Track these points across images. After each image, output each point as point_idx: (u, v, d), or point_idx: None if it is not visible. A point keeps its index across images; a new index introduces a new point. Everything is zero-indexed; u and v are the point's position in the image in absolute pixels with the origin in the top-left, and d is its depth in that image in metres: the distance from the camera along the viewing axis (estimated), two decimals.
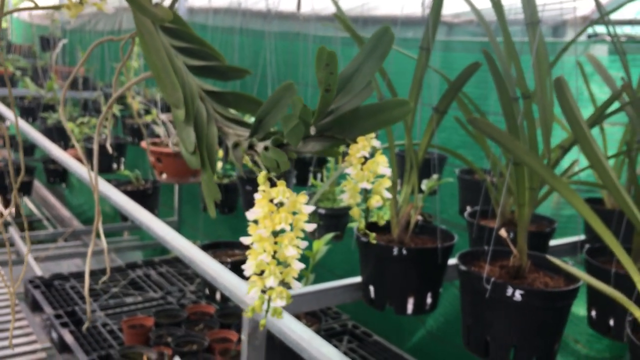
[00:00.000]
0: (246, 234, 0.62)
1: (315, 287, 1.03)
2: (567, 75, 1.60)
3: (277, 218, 0.58)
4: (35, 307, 2.55)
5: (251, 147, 0.67)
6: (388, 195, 0.68)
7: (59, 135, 2.75)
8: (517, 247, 0.87)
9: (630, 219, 0.71)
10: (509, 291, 0.77)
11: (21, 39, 5.92)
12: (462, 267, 0.86)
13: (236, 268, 1.53)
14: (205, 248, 1.65)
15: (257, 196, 0.63)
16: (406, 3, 2.16)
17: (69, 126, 2.59)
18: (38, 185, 5.59)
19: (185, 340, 2.09)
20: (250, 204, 1.81)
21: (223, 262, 1.53)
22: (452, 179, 1.65)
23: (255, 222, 0.62)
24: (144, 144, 2.09)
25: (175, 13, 0.74)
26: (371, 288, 1.02)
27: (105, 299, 2.59)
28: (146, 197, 2.17)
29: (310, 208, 0.59)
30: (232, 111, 0.77)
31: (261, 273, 0.58)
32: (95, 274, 2.87)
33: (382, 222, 0.84)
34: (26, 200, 5.69)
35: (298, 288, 0.61)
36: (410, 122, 1.03)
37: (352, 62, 0.60)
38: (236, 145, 0.68)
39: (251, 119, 0.70)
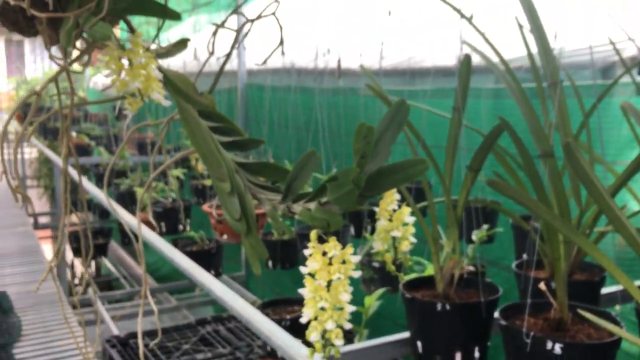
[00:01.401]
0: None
1: (363, 345, 1.06)
2: (617, 117, 1.60)
3: (332, 269, 0.68)
4: None
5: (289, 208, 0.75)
6: (413, 240, 0.78)
7: (130, 199, 2.92)
8: (557, 299, 0.87)
9: None
10: (549, 345, 0.78)
11: (96, 108, 6.32)
12: (502, 322, 0.88)
13: (295, 324, 1.58)
14: (266, 305, 1.71)
15: (307, 252, 0.72)
16: (451, 55, 2.21)
17: (139, 192, 2.74)
18: (115, 246, 5.87)
19: None
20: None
21: (282, 319, 1.59)
22: (504, 228, 1.65)
23: (310, 274, 0.72)
24: (205, 207, 2.20)
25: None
26: (418, 343, 1.04)
27: (177, 356, 2.67)
28: (210, 257, 2.27)
29: (357, 258, 0.69)
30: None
31: (315, 319, 0.68)
32: (167, 332, 2.97)
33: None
34: (105, 260, 5.97)
35: (348, 327, 0.70)
36: (449, 181, 1.07)
37: (376, 130, 0.67)
38: (273, 209, 0.75)
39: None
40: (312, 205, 0.71)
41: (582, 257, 1.16)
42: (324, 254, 0.71)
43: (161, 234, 2.52)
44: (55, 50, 0.69)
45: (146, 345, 2.81)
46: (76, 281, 5.73)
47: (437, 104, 2.11)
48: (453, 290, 1.06)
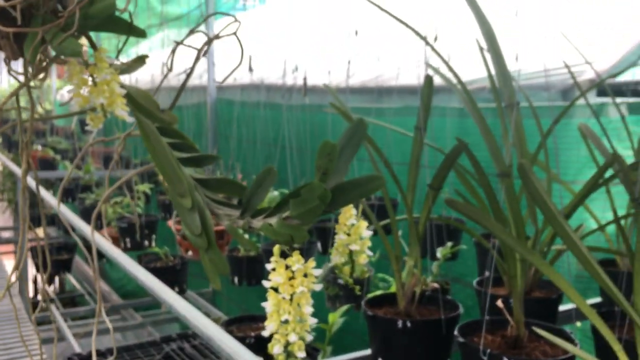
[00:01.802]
0: None
1: None
2: (576, 138, 1.64)
3: (295, 282, 0.70)
4: None
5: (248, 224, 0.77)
6: (370, 253, 0.81)
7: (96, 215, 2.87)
8: (514, 317, 0.89)
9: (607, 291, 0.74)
10: None
11: (63, 121, 6.23)
12: (460, 339, 0.89)
13: (260, 341, 1.57)
14: (231, 323, 1.70)
15: (270, 266, 0.74)
16: (417, 74, 2.25)
17: (103, 207, 2.71)
18: (80, 262, 5.75)
19: None
20: None
21: (247, 337, 1.58)
22: (467, 245, 1.67)
23: (273, 288, 0.75)
24: (170, 222, 2.18)
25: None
26: None
27: None
28: (175, 273, 2.25)
29: (318, 271, 0.71)
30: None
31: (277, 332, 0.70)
32: (130, 349, 2.92)
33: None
34: (69, 276, 5.85)
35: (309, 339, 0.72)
36: (411, 199, 1.08)
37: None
38: (232, 224, 0.76)
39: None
40: (273, 221, 0.72)
41: (540, 275, 1.19)
42: (287, 267, 0.72)
43: (125, 249, 2.49)
44: (14, 64, 0.68)
45: None
46: (39, 297, 5.60)
47: (404, 122, 2.14)
48: (415, 307, 1.07)
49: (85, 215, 2.97)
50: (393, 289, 1.56)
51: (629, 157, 1.51)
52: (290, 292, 0.71)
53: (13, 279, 0.70)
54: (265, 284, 0.73)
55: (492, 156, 0.88)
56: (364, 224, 0.84)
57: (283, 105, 2.83)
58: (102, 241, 2.08)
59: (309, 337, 0.71)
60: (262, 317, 1.78)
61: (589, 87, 1.45)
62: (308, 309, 0.70)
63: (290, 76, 2.62)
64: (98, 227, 2.87)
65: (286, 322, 0.74)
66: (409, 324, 1.00)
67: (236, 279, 2.26)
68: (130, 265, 1.61)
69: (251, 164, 3.10)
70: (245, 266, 2.21)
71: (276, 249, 0.80)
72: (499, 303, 0.87)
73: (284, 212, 0.77)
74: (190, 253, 2.16)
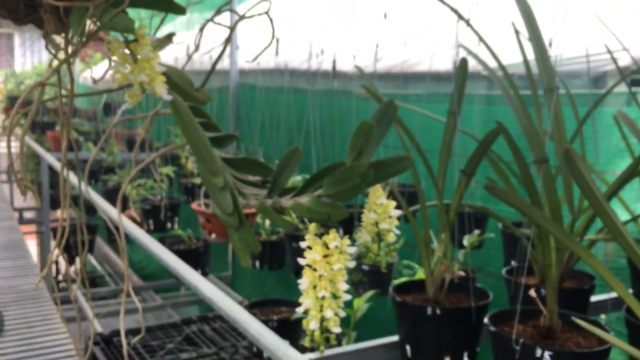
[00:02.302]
0: (292, 288, 0.78)
1: (352, 347, 1.06)
2: (608, 127, 1.60)
3: (332, 259, 0.74)
4: None
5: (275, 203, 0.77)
6: (397, 232, 0.86)
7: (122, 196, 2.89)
8: (547, 307, 0.87)
9: None
10: (538, 352, 0.78)
11: (86, 104, 6.27)
12: (492, 328, 0.87)
13: (283, 325, 1.58)
14: (254, 306, 1.70)
15: (304, 244, 0.75)
16: (445, 59, 2.22)
17: (127, 189, 2.72)
18: (101, 243, 5.82)
19: None
20: (296, 259, 1.87)
21: (269, 320, 1.58)
22: (495, 234, 1.65)
23: (309, 266, 0.77)
24: (194, 205, 2.19)
25: None
26: (408, 347, 1.04)
27: (161, 355, 2.65)
28: (198, 256, 2.25)
29: (353, 249, 0.75)
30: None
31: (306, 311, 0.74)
32: (152, 330, 2.95)
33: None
34: (90, 257, 5.92)
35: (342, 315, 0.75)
36: (442, 185, 1.07)
37: None
38: (261, 204, 0.77)
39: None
40: (304, 200, 0.70)
41: (572, 264, 1.16)
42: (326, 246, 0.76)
43: (149, 231, 2.50)
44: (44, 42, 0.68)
45: (130, 344, 2.78)
46: (60, 277, 5.68)
47: (430, 109, 2.12)
48: (444, 294, 1.06)
49: (108, 196, 2.99)
50: (419, 276, 1.55)
51: None
52: (327, 269, 0.73)
53: (54, 256, 0.70)
54: (301, 261, 0.76)
55: (529, 142, 0.86)
56: (393, 203, 0.85)
57: (308, 90, 2.81)
58: (128, 223, 2.09)
59: (342, 314, 0.74)
60: (284, 302, 1.78)
61: (629, 72, 1.41)
62: (344, 286, 0.74)
63: (315, 60, 2.60)
64: (122, 209, 2.89)
65: (322, 298, 0.76)
66: (438, 311, 0.98)
67: (257, 263, 2.26)
68: (156, 247, 1.62)
69: (273, 149, 3.10)
70: (266, 250, 2.21)
71: (312, 227, 0.81)
72: (532, 292, 0.86)
73: (313, 191, 0.76)
74: (213, 236, 2.16)
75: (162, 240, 2.37)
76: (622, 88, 1.88)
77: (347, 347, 1.06)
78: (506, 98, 0.96)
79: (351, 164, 0.63)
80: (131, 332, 2.93)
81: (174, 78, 0.81)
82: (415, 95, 2.39)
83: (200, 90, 0.83)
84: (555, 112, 0.83)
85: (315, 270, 0.80)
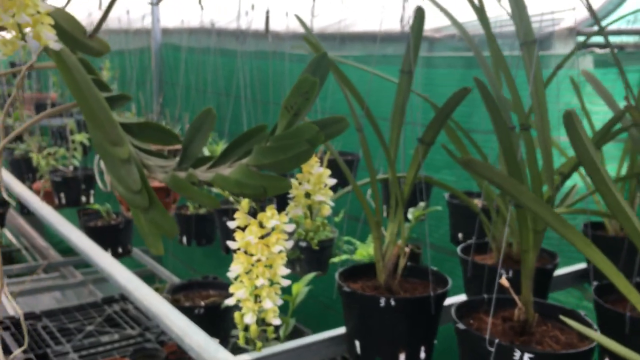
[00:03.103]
0: (223, 265, 0.67)
1: (293, 344, 0.91)
2: (557, 90, 1.51)
3: (271, 241, 0.61)
4: (6, 350, 2.40)
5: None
6: (331, 203, 0.71)
7: (27, 167, 2.61)
8: (522, 297, 0.75)
9: None
10: (517, 355, 0.65)
11: None
12: (460, 326, 0.74)
13: (211, 312, 1.41)
14: (177, 290, 1.53)
15: (233, 224, 0.63)
16: (384, 19, 2.07)
17: (35, 158, 2.45)
18: (14, 215, 5.42)
19: None
20: (227, 234, 1.69)
21: (196, 306, 1.41)
22: (440, 205, 1.54)
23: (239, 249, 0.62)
24: (108, 178, 1.96)
25: None
26: (357, 343, 0.90)
27: (80, 338, 2.44)
28: (117, 233, 2.05)
29: (292, 226, 0.62)
30: None
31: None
32: (69, 312, 2.72)
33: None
34: (5, 231, 5.51)
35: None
36: (394, 154, 0.92)
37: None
38: (173, 178, 0.62)
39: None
40: (227, 171, 0.60)
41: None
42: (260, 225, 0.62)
43: (60, 206, 2.26)
44: None
45: (45, 328, 2.55)
46: None
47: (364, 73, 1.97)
48: (397, 281, 0.92)
49: (16, 167, 2.70)
50: (360, 254, 1.42)
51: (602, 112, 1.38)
52: (265, 253, 0.61)
53: None
54: (231, 244, 0.63)
55: (501, 107, 0.72)
56: (328, 171, 0.72)
57: (237, 51, 2.61)
58: (32, 197, 1.85)
59: (280, 302, 0.63)
60: (212, 284, 1.61)
61: (591, 33, 1.30)
62: (284, 270, 0.62)
63: (245, 18, 2.39)
64: (30, 181, 2.61)
65: (259, 287, 0.62)
66: (392, 302, 0.85)
67: (185, 239, 2.08)
68: (61, 224, 1.41)
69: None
70: (194, 225, 2.03)
71: (245, 203, 0.66)
72: (504, 282, 0.73)
73: (234, 161, 0.63)
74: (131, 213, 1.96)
75: (77, 216, 2.14)
76: (564, 50, 1.79)
77: (288, 344, 0.91)
78: (478, 59, 0.82)
79: (300, 126, 0.53)
80: (47, 315, 2.69)
81: (61, 22, 0.63)
82: (353, 57, 2.23)
83: (94, 37, 0.65)
84: (536, 70, 0.69)
85: (250, 254, 0.66)
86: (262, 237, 0.66)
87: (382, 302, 0.85)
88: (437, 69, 2.11)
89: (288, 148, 0.56)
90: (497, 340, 0.67)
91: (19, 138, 2.87)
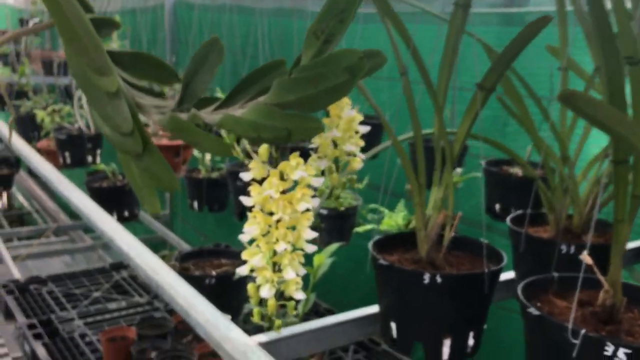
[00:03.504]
0: (236, 232, 0.55)
1: (315, 324, 0.78)
2: None
3: (296, 198, 0.50)
4: (8, 315, 2.30)
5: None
6: (362, 156, 0.58)
7: (32, 125, 2.49)
8: (609, 278, 0.61)
9: None
10: (609, 350, 0.52)
11: (5, 24, 5.64)
12: (533, 311, 0.60)
13: (223, 283, 1.28)
14: (187, 258, 1.40)
15: (248, 176, 0.52)
16: None
17: (40, 115, 2.32)
18: (25, 177, 5.34)
19: (171, 355, 1.84)
20: (240, 200, 1.56)
21: (206, 276, 1.28)
22: (476, 172, 1.40)
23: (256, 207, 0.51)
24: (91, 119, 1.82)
25: None
26: (392, 324, 0.77)
27: (86, 305, 2.34)
28: (124, 195, 1.92)
29: (320, 180, 0.52)
30: None
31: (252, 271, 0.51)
32: (75, 277, 2.62)
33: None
34: (16, 193, 5.44)
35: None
36: (442, 103, 0.78)
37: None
38: (171, 119, 0.49)
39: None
40: (239, 112, 0.48)
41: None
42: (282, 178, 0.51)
43: (65, 165, 2.13)
44: None
45: (51, 293, 2.45)
46: None
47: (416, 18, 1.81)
48: (442, 254, 0.78)
49: (21, 124, 2.58)
50: (387, 223, 1.28)
51: None
52: (289, 211, 0.50)
53: None
54: (245, 200, 0.51)
55: (604, 41, 0.57)
56: (360, 116, 0.57)
57: (255, 9, 2.45)
58: (33, 155, 1.73)
59: (302, 271, 0.51)
60: (223, 252, 1.48)
61: None
62: (309, 234, 0.50)
63: None
64: (35, 139, 2.49)
65: (279, 253, 0.50)
66: (439, 279, 0.71)
67: (196, 204, 1.95)
68: (61, 183, 1.28)
69: (215, 75, 2.73)
70: (206, 189, 1.90)
71: (264, 149, 0.53)
72: (587, 258, 0.59)
73: (246, 101, 0.52)
74: None
75: (80, 177, 2.02)
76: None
77: (311, 324, 0.78)
78: None
79: (335, 52, 0.43)
80: (52, 279, 2.59)
81: None
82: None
83: None
84: None
85: (268, 214, 0.52)
86: (283, 193, 0.53)
87: (427, 278, 0.71)
88: (472, 27, 1.93)
89: (321, 79, 0.44)
90: (583, 331, 0.53)
91: (25, 95, 2.75)
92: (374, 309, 0.83)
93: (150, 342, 1.91)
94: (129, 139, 0.47)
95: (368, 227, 1.23)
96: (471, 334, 0.75)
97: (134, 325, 2.02)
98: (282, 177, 0.54)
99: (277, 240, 0.52)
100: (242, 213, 1.71)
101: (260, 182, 0.54)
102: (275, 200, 0.52)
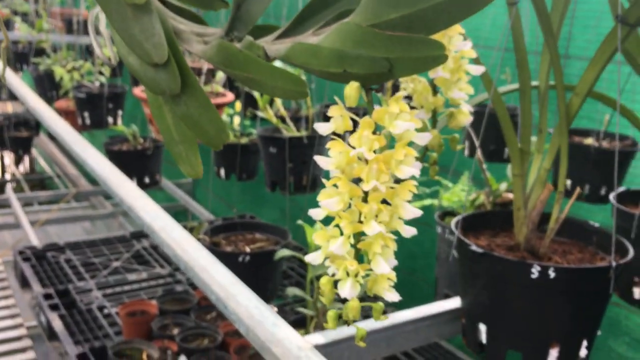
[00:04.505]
0: (263, 204, 0.28)
1: (380, 322, 0.62)
2: None
3: (397, 156, 0.36)
4: (25, 283, 2.20)
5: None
6: (469, 108, 0.42)
7: (50, 83, 2.35)
8: None
9: None
10: None
11: None
12: None
13: (259, 261, 1.13)
14: (217, 230, 1.25)
15: (326, 127, 0.37)
16: None
17: (58, 72, 2.18)
18: (46, 141, 5.24)
19: (194, 333, 1.71)
20: (273, 168, 1.39)
21: (240, 253, 1.13)
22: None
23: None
24: (137, 90, 1.67)
25: None
26: (481, 327, 0.61)
27: (105, 275, 2.22)
28: (145, 159, 1.78)
29: (427, 136, 0.36)
30: None
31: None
32: (95, 245, 2.51)
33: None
34: (38, 157, 5.37)
35: None
36: (557, 31, 0.60)
37: None
38: (223, 45, 0.33)
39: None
40: (314, 39, 0.36)
41: None
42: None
43: (84, 126, 1.99)
44: None
45: (69, 261, 2.34)
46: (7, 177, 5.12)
47: None
48: (548, 240, 0.62)
49: (39, 83, 2.44)
50: (447, 198, 1.12)
51: None
52: (386, 179, 0.35)
53: None
54: (322, 162, 0.36)
55: None
56: (473, 52, 0.40)
57: None
58: (50, 114, 1.58)
59: (393, 262, 0.37)
60: (256, 225, 1.33)
61: None
62: (411, 211, 0.36)
63: None
64: (53, 98, 2.35)
65: (371, 236, 0.35)
66: (551, 273, 0.54)
67: (223, 172, 1.80)
68: (77, 143, 1.13)
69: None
70: (235, 156, 1.74)
71: (354, 88, 0.35)
72: None
73: (313, 29, 0.38)
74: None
75: (97, 138, 1.87)
76: None
77: (377, 323, 0.62)
78: None
79: None
80: (70, 247, 2.48)
81: None
82: None
83: None
84: None
85: (357, 181, 0.35)
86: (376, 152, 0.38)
87: (535, 272, 0.55)
88: None
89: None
90: None
91: (44, 53, 2.60)
92: (449, 304, 0.67)
93: (172, 318, 1.79)
94: (162, 73, 0.32)
95: (426, 201, 1.06)
96: (584, 343, 0.59)
97: (155, 299, 1.90)
98: (373, 132, 0.38)
99: (368, 218, 0.37)
100: (275, 182, 1.55)
101: (342, 136, 0.38)
102: (368, 161, 0.36)
